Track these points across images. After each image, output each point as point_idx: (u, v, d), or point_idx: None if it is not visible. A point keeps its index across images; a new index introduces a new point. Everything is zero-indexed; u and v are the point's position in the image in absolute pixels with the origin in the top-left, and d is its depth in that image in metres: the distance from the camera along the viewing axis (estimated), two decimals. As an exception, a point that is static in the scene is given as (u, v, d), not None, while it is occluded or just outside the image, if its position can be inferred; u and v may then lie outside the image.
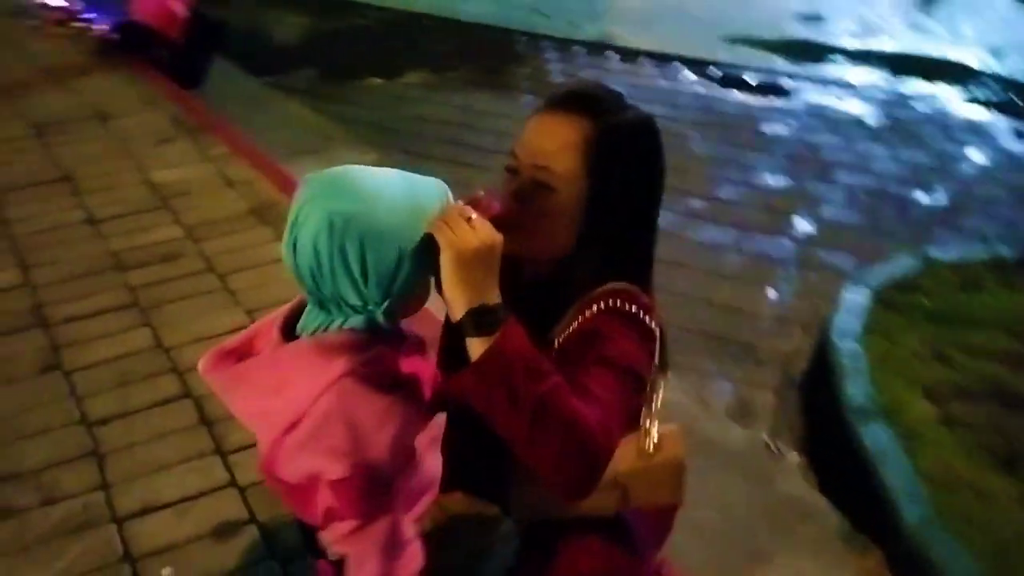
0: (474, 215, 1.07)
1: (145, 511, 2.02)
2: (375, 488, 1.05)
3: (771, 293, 3.62)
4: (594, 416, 1.04)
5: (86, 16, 5.66)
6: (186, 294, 2.91)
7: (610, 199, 1.25)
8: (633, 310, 1.23)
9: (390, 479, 1.07)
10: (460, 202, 1.11)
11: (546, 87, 6.00)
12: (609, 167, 1.24)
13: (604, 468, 1.06)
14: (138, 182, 3.72)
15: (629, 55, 7.05)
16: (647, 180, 1.30)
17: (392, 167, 1.10)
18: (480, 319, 1.05)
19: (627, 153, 1.25)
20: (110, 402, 2.38)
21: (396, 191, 1.05)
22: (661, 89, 6.33)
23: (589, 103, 1.25)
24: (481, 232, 1.05)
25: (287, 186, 3.55)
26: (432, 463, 1.24)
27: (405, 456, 1.12)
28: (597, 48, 7.22)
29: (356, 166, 1.07)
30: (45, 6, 5.83)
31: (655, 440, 1.36)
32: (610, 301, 1.24)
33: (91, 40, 5.38)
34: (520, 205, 1.24)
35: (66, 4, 5.83)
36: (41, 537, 1.96)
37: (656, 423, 1.36)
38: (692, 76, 6.66)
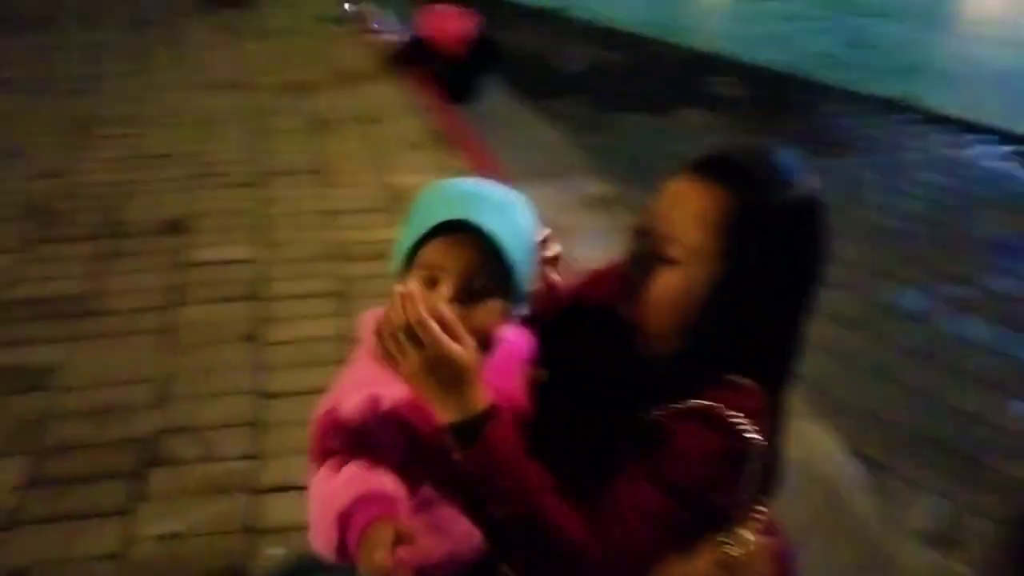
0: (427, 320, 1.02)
1: (281, 489, 2.10)
2: (332, 438, 1.08)
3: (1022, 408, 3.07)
4: (594, 534, 1.01)
5: (386, 29, 6.20)
6: (387, 293, 3.00)
7: (743, 291, 1.08)
8: (730, 421, 1.06)
9: (359, 444, 1.08)
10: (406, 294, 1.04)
11: (823, 140, 5.62)
12: (747, 253, 1.07)
13: None
14: (379, 182, 3.93)
15: (925, 116, 6.41)
16: (796, 274, 1.11)
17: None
18: (460, 434, 1.02)
19: (773, 239, 1.07)
20: (286, 379, 2.52)
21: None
22: (950, 157, 5.67)
23: (735, 172, 1.07)
24: (429, 351, 1.01)
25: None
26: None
27: (383, 431, 1.10)
28: (890, 106, 6.64)
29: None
30: (357, 17, 6.48)
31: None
32: (704, 404, 1.08)
33: (384, 50, 5.85)
34: (639, 271, 1.10)
35: (374, 18, 6.43)
36: (189, 490, 2.10)
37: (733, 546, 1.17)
38: (992, 148, 5.91)
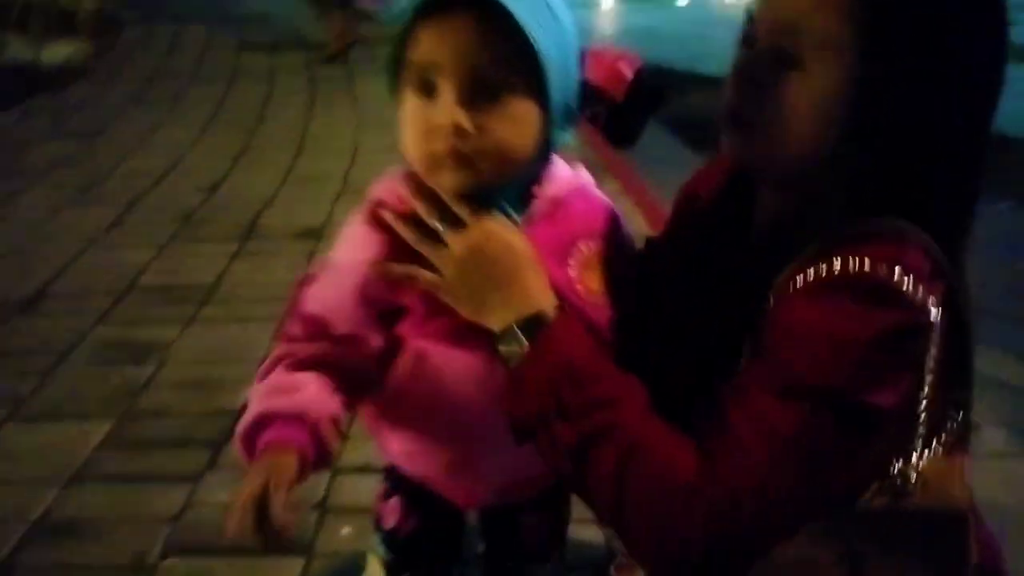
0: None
1: (361, 470, 1.89)
2: (294, 322, 0.92)
3: None
4: (704, 461, 0.76)
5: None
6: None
7: (894, 92, 0.79)
8: (889, 277, 0.75)
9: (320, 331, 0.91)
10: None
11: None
12: (893, 34, 0.78)
13: (728, 555, 0.76)
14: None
15: None
16: (961, 68, 0.80)
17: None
18: (516, 337, 0.85)
19: (926, 14, 0.78)
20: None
21: None
22: None
23: None
24: (467, 240, 0.87)
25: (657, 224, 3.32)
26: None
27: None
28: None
29: None
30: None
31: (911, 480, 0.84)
32: (850, 260, 0.76)
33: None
34: (750, 89, 0.83)
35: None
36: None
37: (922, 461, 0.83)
38: None
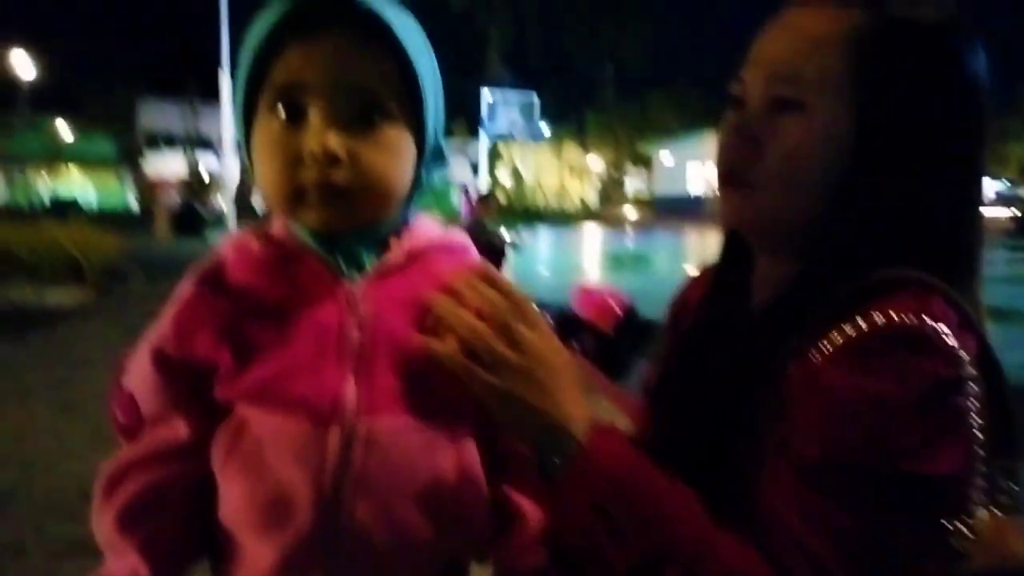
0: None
1: None
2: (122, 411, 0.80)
3: None
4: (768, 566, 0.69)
5: (539, 304, 6.36)
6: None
7: (892, 134, 0.79)
8: (920, 327, 0.71)
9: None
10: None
11: None
12: (893, 75, 0.79)
13: None
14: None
15: None
16: (953, 116, 0.81)
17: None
18: (551, 451, 0.77)
19: (920, 62, 0.79)
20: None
21: None
22: None
23: None
24: (534, 346, 0.78)
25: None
26: None
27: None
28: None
29: None
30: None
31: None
32: (873, 316, 0.73)
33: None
34: (748, 146, 0.82)
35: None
36: None
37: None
38: None
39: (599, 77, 56.94)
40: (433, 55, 0.81)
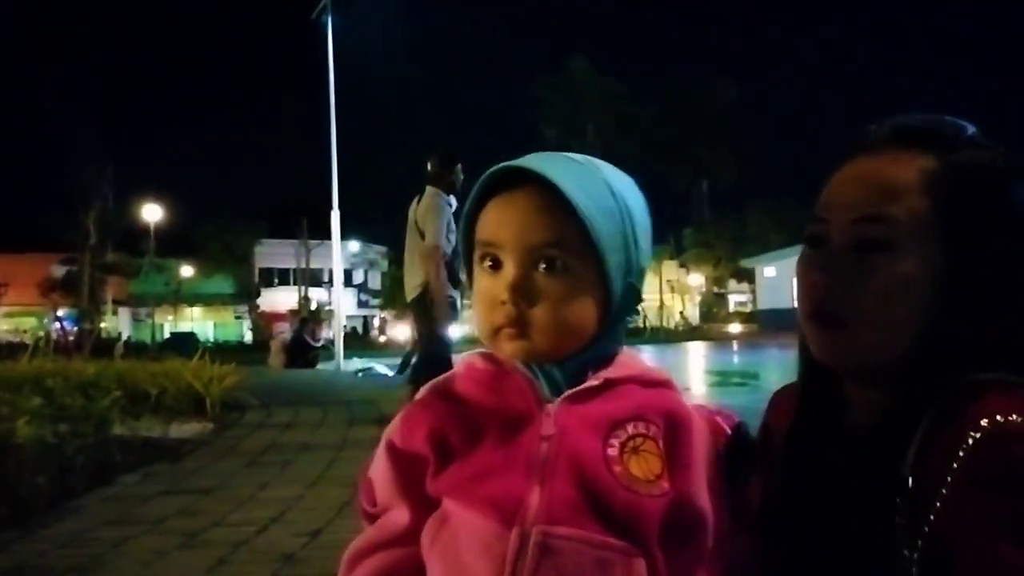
0: None
1: None
2: (365, 499, 0.99)
3: None
4: None
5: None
6: None
7: (979, 263, 0.85)
8: None
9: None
10: None
11: None
12: (974, 212, 0.86)
13: None
14: None
15: None
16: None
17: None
18: None
19: (990, 196, 0.87)
20: None
21: None
22: None
23: (928, 136, 0.89)
24: None
25: None
26: None
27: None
28: None
29: None
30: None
31: None
32: (1002, 418, 0.76)
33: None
34: (838, 285, 0.87)
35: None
36: None
37: None
38: None
39: (694, 194, 57.33)
40: (622, 207, 0.92)
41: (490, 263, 0.92)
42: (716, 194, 57.80)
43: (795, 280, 0.94)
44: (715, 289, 58.06)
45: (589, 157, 0.96)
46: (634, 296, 0.95)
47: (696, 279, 57.57)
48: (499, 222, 0.91)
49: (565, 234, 0.88)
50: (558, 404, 0.91)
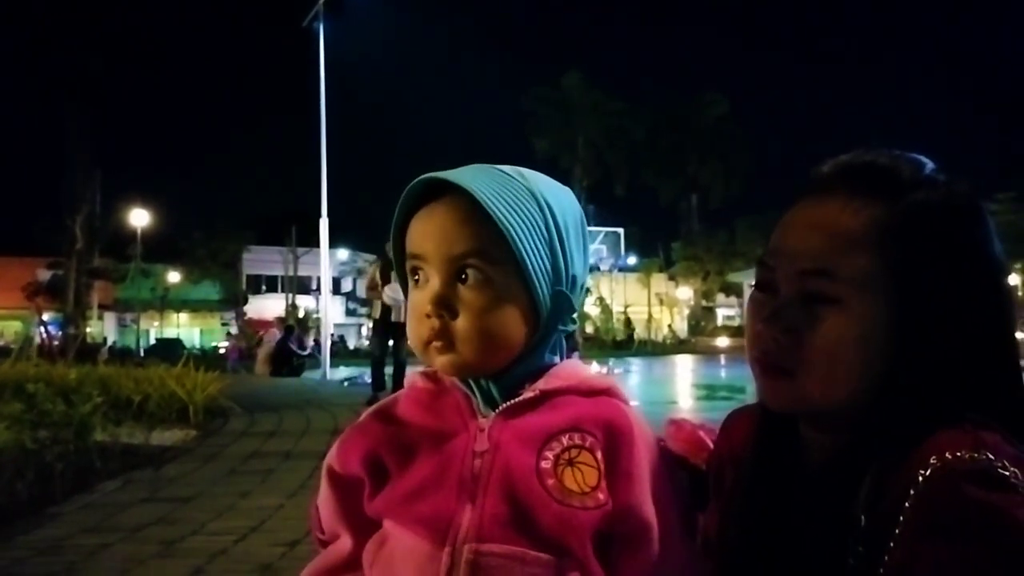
0: None
1: None
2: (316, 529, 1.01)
3: None
4: None
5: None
6: None
7: (931, 312, 0.84)
8: (1002, 476, 0.74)
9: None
10: None
11: None
12: (924, 264, 0.84)
13: None
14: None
15: None
16: (980, 282, 0.86)
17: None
18: None
19: (947, 243, 0.85)
20: None
21: None
22: None
23: (879, 178, 0.87)
24: None
25: None
26: None
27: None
28: None
29: None
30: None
31: None
32: (950, 455, 0.76)
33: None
34: (785, 336, 0.86)
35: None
36: None
37: None
38: None
39: (684, 207, 57.51)
40: (547, 215, 0.91)
41: (416, 277, 0.92)
42: (705, 208, 58.03)
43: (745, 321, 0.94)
44: (703, 303, 58.17)
45: (521, 169, 0.95)
46: (566, 305, 0.93)
47: (685, 292, 57.67)
48: (422, 235, 0.90)
49: (485, 244, 0.87)
50: (492, 419, 0.90)
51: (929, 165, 0.89)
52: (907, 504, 0.76)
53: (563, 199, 0.94)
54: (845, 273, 0.83)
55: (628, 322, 53.33)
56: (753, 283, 0.93)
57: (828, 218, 0.85)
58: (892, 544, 0.76)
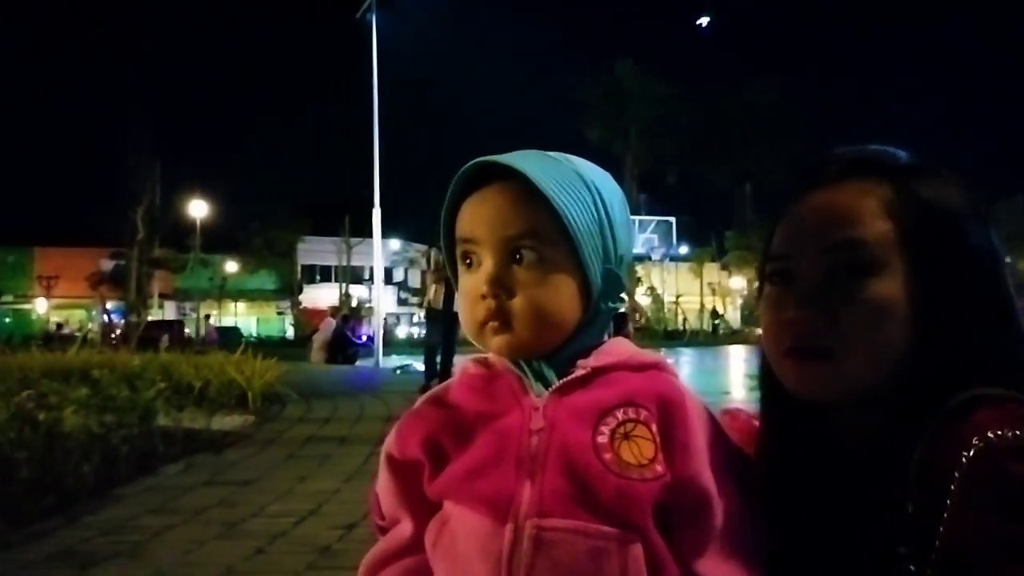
0: None
1: None
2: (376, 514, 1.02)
3: None
4: None
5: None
6: None
7: (951, 275, 0.87)
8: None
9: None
10: None
11: None
12: (935, 231, 0.88)
13: None
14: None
15: None
16: (984, 251, 0.91)
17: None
18: None
19: (954, 216, 0.90)
20: None
21: None
22: None
23: (883, 164, 0.93)
24: None
25: None
26: None
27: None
28: None
29: None
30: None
31: None
32: (992, 434, 0.76)
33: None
34: (816, 317, 0.88)
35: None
36: None
37: None
38: None
39: (737, 196, 56.74)
40: (595, 197, 0.93)
41: (469, 260, 0.94)
42: (759, 196, 57.16)
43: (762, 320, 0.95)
44: (757, 292, 57.30)
45: (565, 154, 0.97)
46: (615, 283, 0.95)
47: (738, 282, 56.98)
48: (473, 219, 0.92)
49: (538, 224, 0.89)
50: (547, 398, 0.91)
51: (916, 157, 0.95)
52: (953, 487, 0.75)
53: (607, 181, 0.97)
54: (874, 238, 0.86)
55: (679, 312, 52.91)
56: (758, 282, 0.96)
57: (846, 200, 0.89)
58: (943, 529, 0.75)
